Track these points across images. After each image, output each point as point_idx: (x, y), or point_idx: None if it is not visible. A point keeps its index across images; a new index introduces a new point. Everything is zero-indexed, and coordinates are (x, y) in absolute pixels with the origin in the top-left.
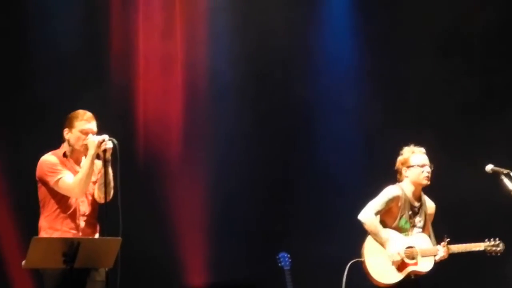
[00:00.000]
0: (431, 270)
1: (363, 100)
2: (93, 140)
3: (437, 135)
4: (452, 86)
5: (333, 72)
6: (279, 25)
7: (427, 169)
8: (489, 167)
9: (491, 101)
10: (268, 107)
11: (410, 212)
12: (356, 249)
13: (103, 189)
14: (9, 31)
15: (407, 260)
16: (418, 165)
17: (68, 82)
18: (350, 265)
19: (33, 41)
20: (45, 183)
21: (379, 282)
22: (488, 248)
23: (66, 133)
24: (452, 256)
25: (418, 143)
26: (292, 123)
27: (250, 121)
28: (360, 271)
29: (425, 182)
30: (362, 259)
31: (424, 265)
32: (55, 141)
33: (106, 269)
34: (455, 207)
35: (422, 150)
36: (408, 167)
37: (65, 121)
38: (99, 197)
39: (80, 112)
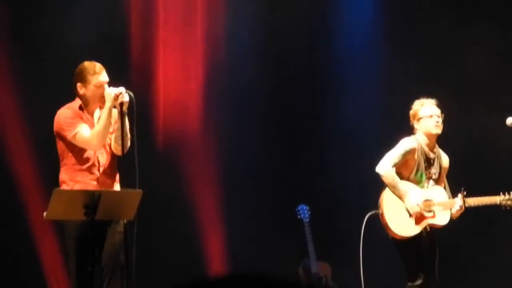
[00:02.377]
0: (448, 223)
1: (383, 61)
2: (110, 92)
3: (457, 88)
4: (475, 44)
5: (357, 34)
6: None
7: (436, 118)
8: (510, 120)
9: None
10: (290, 70)
11: (426, 164)
12: (373, 202)
13: (119, 141)
14: None
15: (424, 213)
16: (426, 116)
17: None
18: (368, 217)
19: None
20: (63, 137)
21: (397, 234)
22: (503, 202)
23: (80, 88)
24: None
25: (437, 96)
26: (314, 84)
27: (270, 83)
28: (377, 223)
29: (435, 130)
30: (380, 211)
31: (441, 218)
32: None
33: (125, 221)
34: (472, 159)
35: (432, 101)
36: (418, 119)
37: (75, 76)
38: (116, 149)
39: (91, 65)
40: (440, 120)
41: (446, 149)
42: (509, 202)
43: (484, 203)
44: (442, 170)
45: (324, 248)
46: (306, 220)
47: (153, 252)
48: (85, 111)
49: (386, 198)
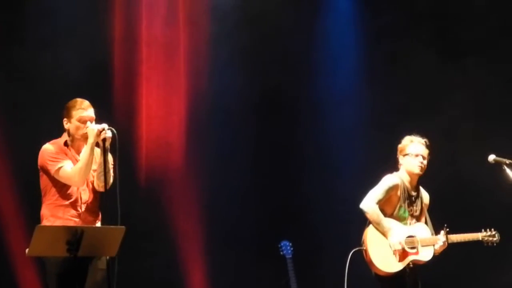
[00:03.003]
0: (431, 259)
1: (366, 98)
2: (93, 128)
3: (441, 125)
4: (461, 80)
5: (337, 69)
6: (284, 19)
7: (420, 159)
8: (492, 157)
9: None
10: (274, 105)
11: (408, 201)
12: (356, 238)
13: (101, 177)
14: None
15: (408, 249)
16: (412, 154)
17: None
18: (352, 253)
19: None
20: (46, 172)
21: (381, 271)
22: (485, 239)
23: (66, 123)
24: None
25: (421, 133)
26: (298, 118)
27: (253, 118)
28: (361, 259)
29: (417, 171)
30: (364, 248)
31: (425, 254)
32: (58, 131)
33: (107, 257)
34: (455, 196)
35: (422, 140)
36: (404, 155)
37: (63, 111)
38: (98, 186)
39: (78, 100)
40: (425, 162)
41: (430, 185)
42: (490, 238)
43: (467, 240)
44: (424, 207)
45: (306, 284)
46: (288, 256)
47: None
48: (70, 148)
49: (370, 235)
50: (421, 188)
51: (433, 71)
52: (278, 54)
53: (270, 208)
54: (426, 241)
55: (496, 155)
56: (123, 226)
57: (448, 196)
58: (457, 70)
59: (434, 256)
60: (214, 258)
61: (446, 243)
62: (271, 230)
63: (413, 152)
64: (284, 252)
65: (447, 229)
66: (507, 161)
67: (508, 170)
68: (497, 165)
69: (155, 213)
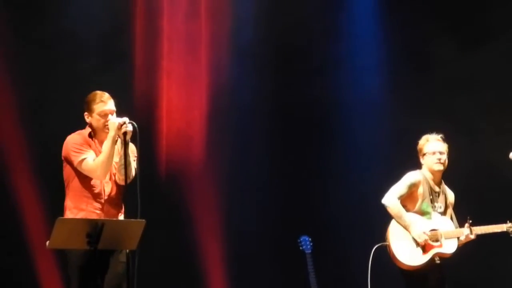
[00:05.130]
0: (455, 251)
1: (390, 91)
2: (114, 122)
3: (462, 120)
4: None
5: (358, 63)
6: (305, 14)
7: (438, 155)
8: None
9: None
10: (295, 98)
11: (431, 197)
12: (379, 234)
13: (122, 170)
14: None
15: (431, 242)
16: (429, 153)
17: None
18: (375, 249)
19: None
20: (70, 163)
21: (405, 265)
22: (511, 229)
23: (87, 117)
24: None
25: (441, 130)
26: (317, 113)
27: (275, 112)
28: (384, 255)
29: (437, 167)
30: (387, 243)
31: (449, 247)
32: (81, 122)
33: (127, 250)
34: (478, 192)
35: (437, 137)
36: (423, 155)
37: (83, 105)
38: (119, 179)
39: (97, 93)
40: (443, 156)
41: (453, 180)
42: None
43: (491, 231)
44: (448, 204)
45: (326, 280)
46: (308, 251)
47: (155, 282)
48: (94, 140)
49: (393, 230)
50: (446, 187)
51: (455, 64)
52: (300, 45)
53: (290, 202)
54: (449, 234)
55: None
56: (143, 220)
57: (472, 190)
58: (479, 60)
59: (458, 248)
60: (233, 251)
61: (470, 235)
62: (291, 224)
63: (430, 150)
64: (304, 247)
65: (470, 221)
66: None
67: None
68: None
69: (175, 207)
